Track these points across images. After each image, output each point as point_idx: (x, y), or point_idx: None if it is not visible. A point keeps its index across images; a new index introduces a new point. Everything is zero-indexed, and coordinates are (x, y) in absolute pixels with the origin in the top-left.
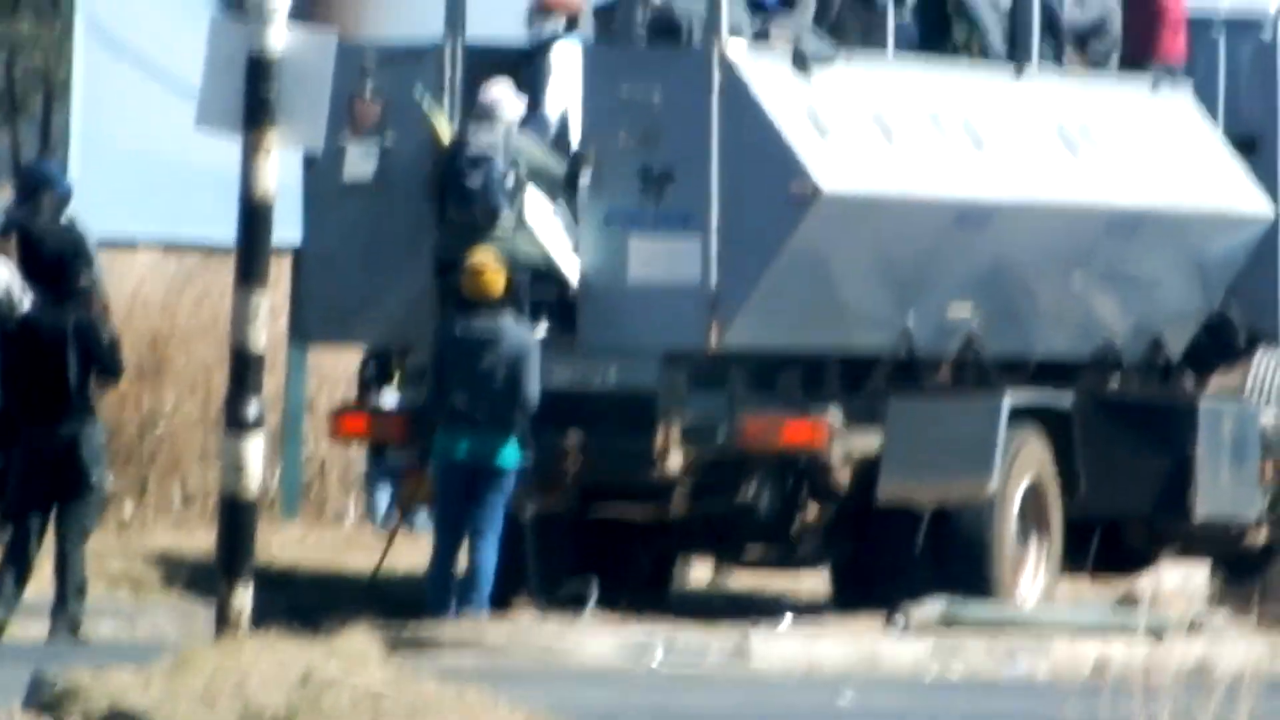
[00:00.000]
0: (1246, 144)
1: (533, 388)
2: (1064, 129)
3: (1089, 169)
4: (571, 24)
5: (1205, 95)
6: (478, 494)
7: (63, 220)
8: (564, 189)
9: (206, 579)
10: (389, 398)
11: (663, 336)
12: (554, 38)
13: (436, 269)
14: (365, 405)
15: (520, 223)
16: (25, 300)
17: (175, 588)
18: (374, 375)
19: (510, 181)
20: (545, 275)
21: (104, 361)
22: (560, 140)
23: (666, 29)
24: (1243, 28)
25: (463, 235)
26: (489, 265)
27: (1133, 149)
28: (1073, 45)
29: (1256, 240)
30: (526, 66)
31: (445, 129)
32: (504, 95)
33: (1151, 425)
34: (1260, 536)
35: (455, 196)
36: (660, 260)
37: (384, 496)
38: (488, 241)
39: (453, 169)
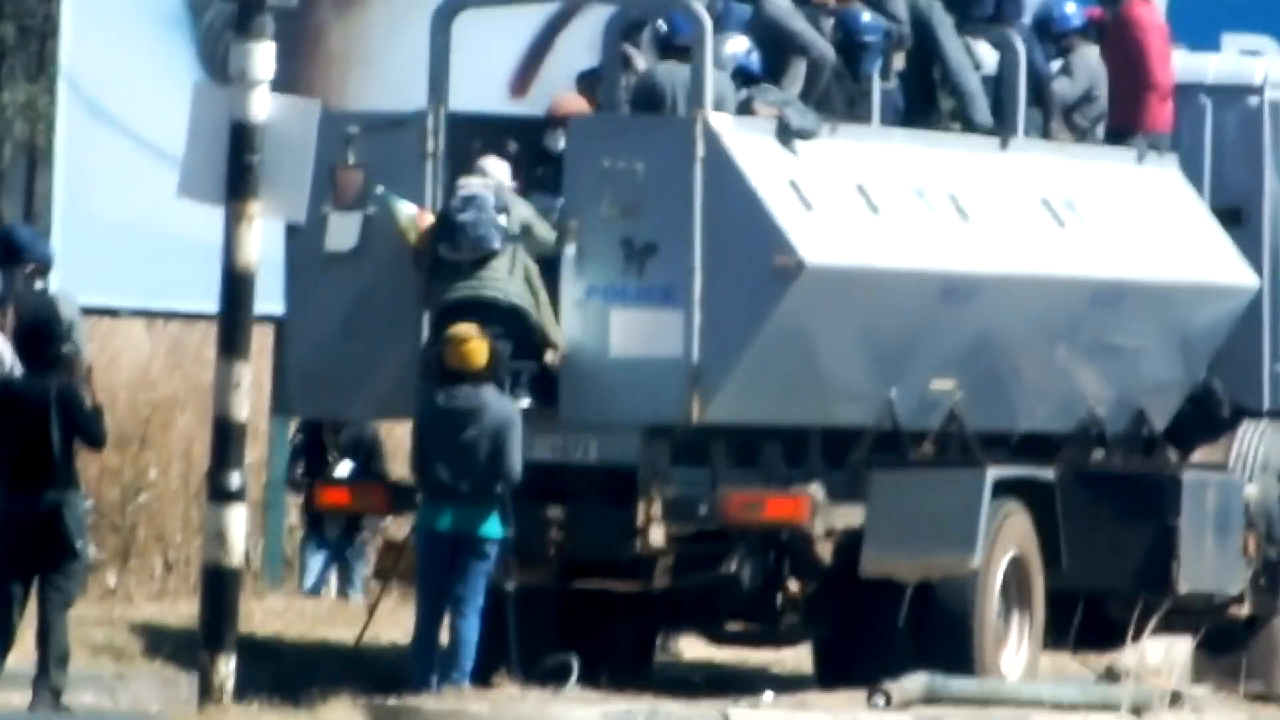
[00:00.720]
0: (1232, 215)
1: (515, 460)
2: (1050, 201)
3: (1074, 241)
4: None
5: (1191, 164)
6: (460, 565)
7: (40, 287)
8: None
9: (189, 649)
10: (343, 469)
11: (644, 410)
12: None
13: (431, 314)
14: (293, 476)
15: (514, 265)
16: (16, 369)
17: (158, 657)
18: (302, 447)
19: (502, 221)
20: (530, 335)
21: (87, 429)
22: None
23: (649, 99)
24: (1230, 95)
25: (456, 273)
26: (472, 335)
27: (1118, 221)
28: (1059, 115)
29: (1241, 311)
30: (544, 173)
31: (408, 225)
32: (496, 165)
33: (1135, 498)
34: (1243, 610)
35: (447, 234)
36: (642, 333)
37: (316, 562)
38: (481, 280)
39: (445, 211)
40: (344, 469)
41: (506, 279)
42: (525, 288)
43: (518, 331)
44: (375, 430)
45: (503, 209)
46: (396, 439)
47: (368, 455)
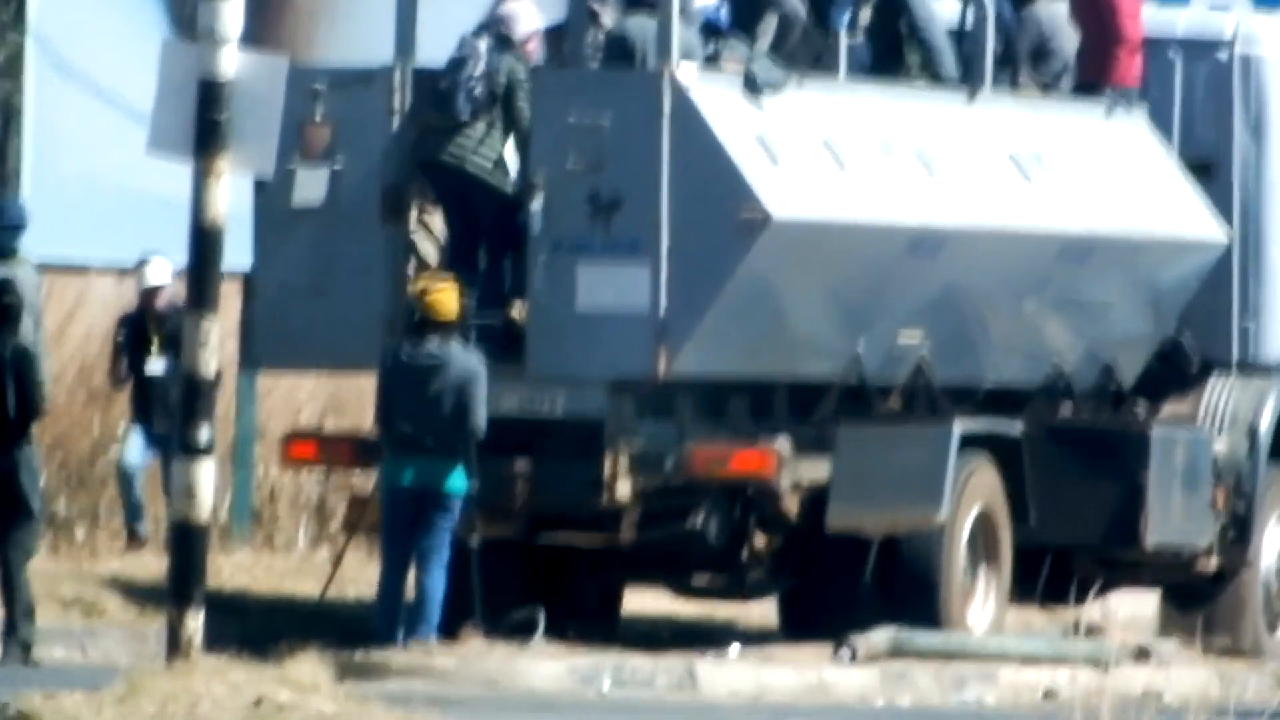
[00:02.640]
0: (1202, 168)
1: (480, 414)
2: (1017, 154)
3: (1042, 195)
4: None
5: (1161, 118)
6: (425, 520)
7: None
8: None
9: (158, 604)
10: (155, 365)
11: (611, 364)
12: None
13: (410, 166)
14: (118, 372)
15: (489, 131)
16: None
17: (127, 612)
18: (127, 342)
19: (480, 91)
20: (491, 203)
21: (30, 396)
22: None
23: (620, 52)
24: (1199, 49)
25: (431, 135)
26: (443, 288)
27: (1087, 174)
28: (1027, 68)
29: (1211, 266)
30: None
31: None
32: (523, 10)
33: (1102, 453)
34: (1211, 564)
35: (430, 97)
36: (609, 287)
37: (136, 443)
38: (453, 144)
39: (435, 72)
40: (158, 366)
41: (476, 145)
42: (489, 150)
43: (479, 201)
44: None
45: (489, 74)
46: (362, 390)
47: None
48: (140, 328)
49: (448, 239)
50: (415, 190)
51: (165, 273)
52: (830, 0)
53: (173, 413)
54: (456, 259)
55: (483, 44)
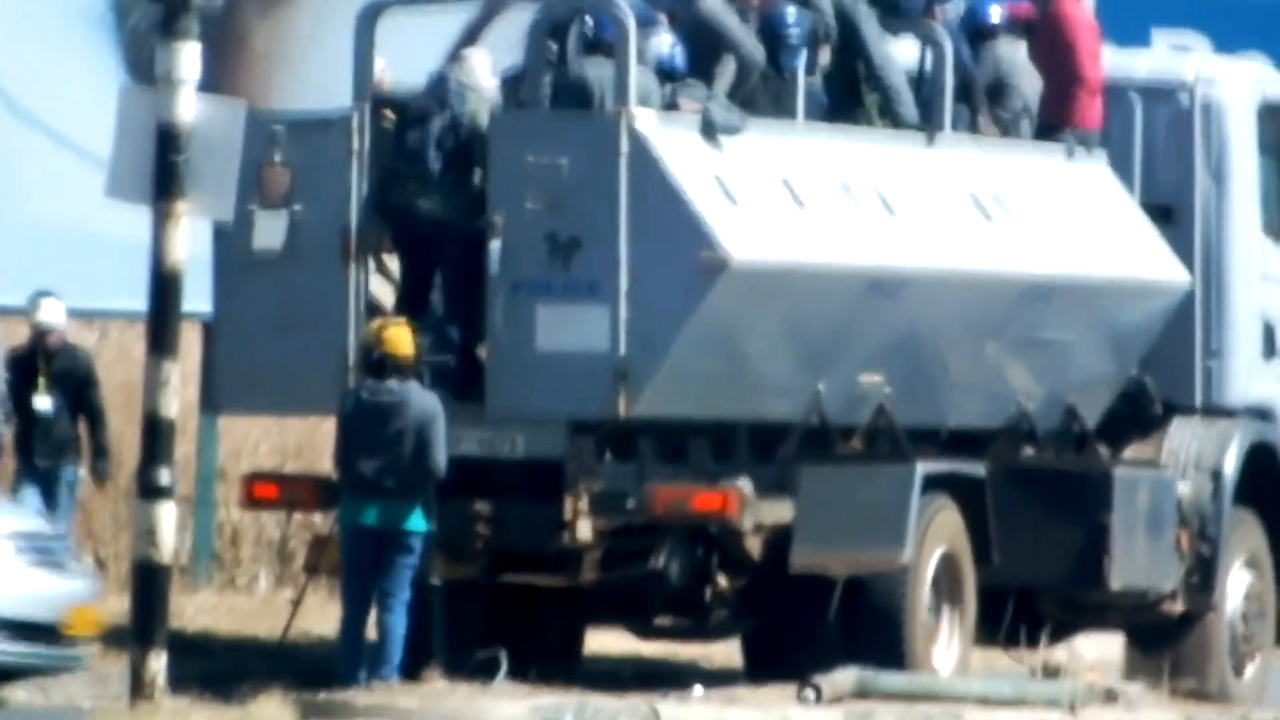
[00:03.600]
0: (1163, 212)
1: (439, 455)
2: (977, 197)
3: (1003, 237)
4: None
5: (1122, 162)
6: (386, 560)
7: None
8: None
9: (121, 645)
10: (42, 401)
11: (571, 405)
12: None
13: (378, 210)
14: (4, 410)
15: (459, 181)
16: None
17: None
18: (14, 379)
19: (450, 141)
20: (449, 248)
21: None
22: None
23: (577, 95)
24: (1160, 93)
25: (396, 179)
26: (399, 331)
27: (1047, 217)
28: (986, 107)
29: (1172, 309)
30: None
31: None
32: (478, 58)
33: (1066, 494)
34: (1177, 607)
35: (397, 143)
36: (568, 328)
37: (31, 496)
38: (422, 188)
39: (405, 114)
40: (45, 402)
41: (449, 191)
42: (469, 197)
43: (449, 245)
44: (89, 361)
45: (454, 120)
46: (324, 434)
47: (79, 386)
48: (29, 365)
49: (406, 282)
50: (374, 234)
51: (58, 313)
52: (783, 42)
53: (56, 449)
54: (416, 302)
55: (450, 87)
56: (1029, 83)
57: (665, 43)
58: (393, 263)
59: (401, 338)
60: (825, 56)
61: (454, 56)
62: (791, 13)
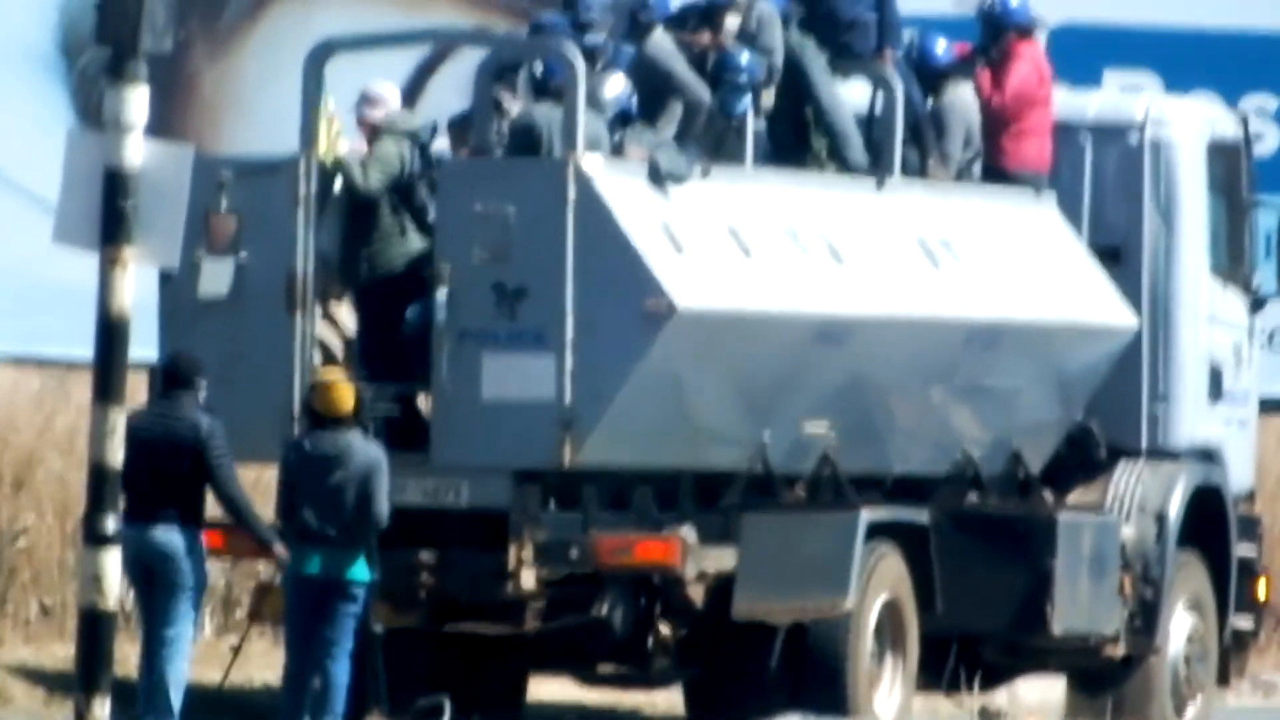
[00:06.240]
0: (1112, 253)
1: (382, 503)
2: (926, 241)
3: (950, 282)
4: None
5: (1071, 203)
6: (329, 609)
7: None
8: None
9: (65, 691)
10: None
11: (516, 454)
12: None
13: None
14: None
15: (403, 229)
16: None
17: (33, 700)
18: None
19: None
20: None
21: None
22: None
23: (526, 139)
24: (1109, 134)
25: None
26: (338, 382)
27: (996, 260)
28: (937, 151)
29: (1119, 352)
30: None
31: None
32: (388, 90)
33: (1010, 540)
34: (1119, 650)
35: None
36: (514, 377)
37: None
38: (372, 236)
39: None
40: None
41: (401, 237)
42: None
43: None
44: None
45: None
46: (268, 482)
47: None
48: None
49: (360, 332)
50: (320, 281)
51: None
52: (725, 85)
53: None
54: (370, 352)
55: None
56: (977, 123)
57: (619, 86)
58: (340, 310)
59: (338, 396)
60: (769, 99)
61: (406, 99)
62: (745, 56)
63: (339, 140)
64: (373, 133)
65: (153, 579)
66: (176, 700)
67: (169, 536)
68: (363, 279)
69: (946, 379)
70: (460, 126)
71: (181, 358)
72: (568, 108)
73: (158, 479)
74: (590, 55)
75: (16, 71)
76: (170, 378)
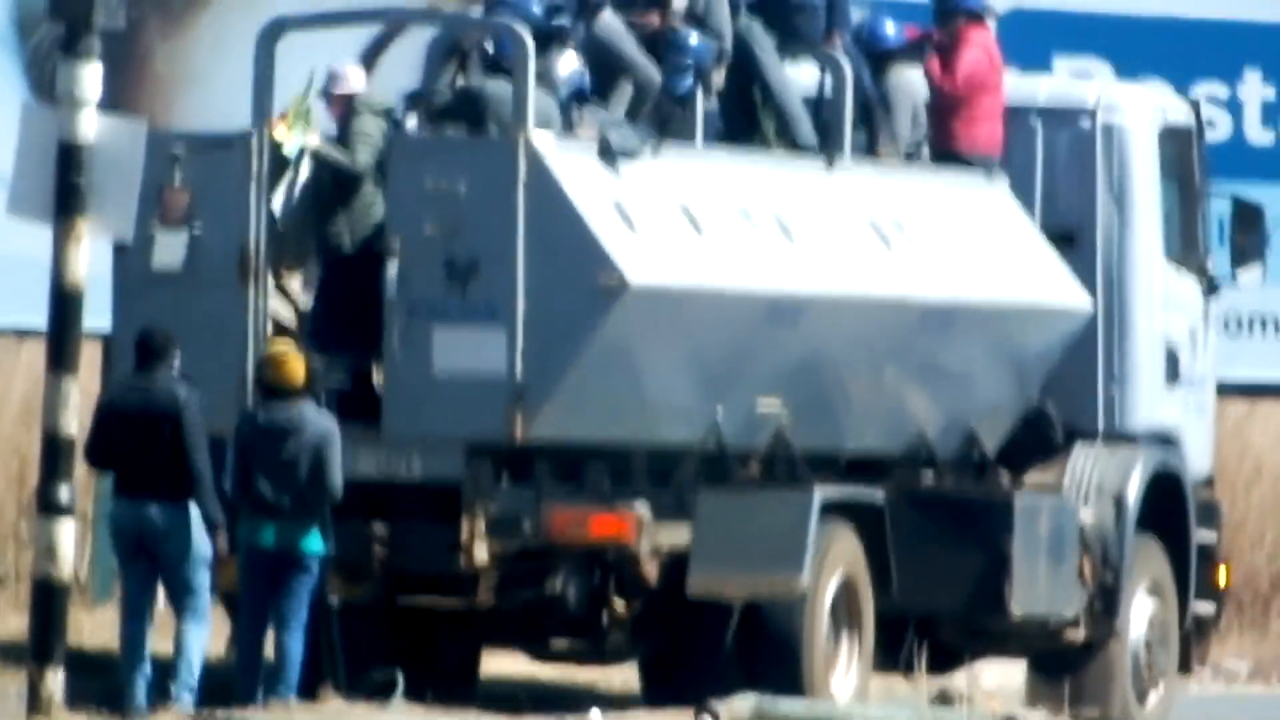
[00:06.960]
0: (1065, 237)
1: (336, 475)
2: (877, 222)
3: (902, 262)
4: None
5: (1023, 187)
6: (283, 581)
7: None
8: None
9: (18, 662)
10: None
11: (467, 428)
12: None
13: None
14: None
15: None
16: None
17: None
18: None
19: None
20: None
21: None
22: None
23: (470, 108)
24: (1061, 118)
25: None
26: (289, 354)
27: (947, 242)
28: (887, 133)
29: (1074, 334)
30: None
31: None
32: (354, 73)
33: (966, 521)
34: (1079, 634)
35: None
36: (465, 351)
37: None
38: (350, 200)
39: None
40: None
41: (374, 200)
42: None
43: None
44: None
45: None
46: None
47: None
48: None
49: (316, 303)
50: (273, 253)
51: None
52: (675, 66)
53: None
54: (325, 324)
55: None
56: (924, 105)
57: (572, 64)
58: (293, 283)
59: (289, 368)
60: (720, 79)
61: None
62: (694, 37)
63: (314, 131)
64: (343, 111)
65: (146, 554)
66: (198, 670)
67: (169, 513)
68: (345, 249)
69: (900, 358)
70: (412, 101)
71: (155, 331)
72: (517, 84)
73: (142, 452)
74: (560, 36)
75: None
76: (145, 351)
